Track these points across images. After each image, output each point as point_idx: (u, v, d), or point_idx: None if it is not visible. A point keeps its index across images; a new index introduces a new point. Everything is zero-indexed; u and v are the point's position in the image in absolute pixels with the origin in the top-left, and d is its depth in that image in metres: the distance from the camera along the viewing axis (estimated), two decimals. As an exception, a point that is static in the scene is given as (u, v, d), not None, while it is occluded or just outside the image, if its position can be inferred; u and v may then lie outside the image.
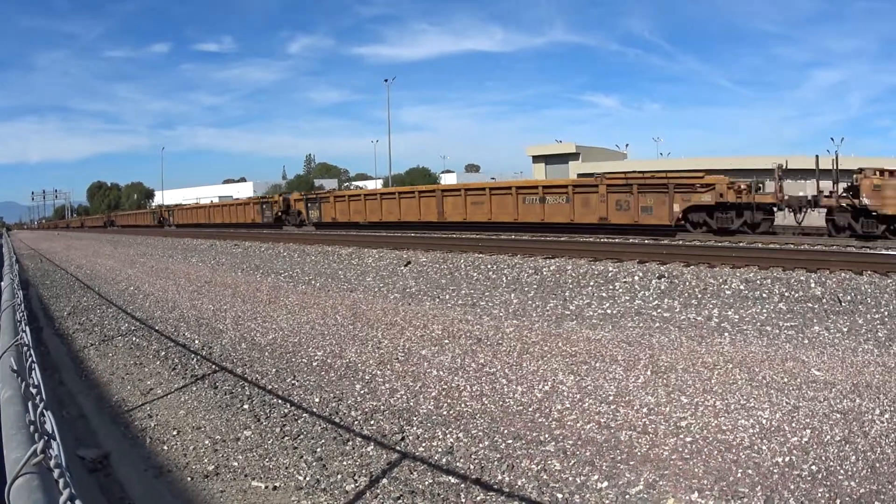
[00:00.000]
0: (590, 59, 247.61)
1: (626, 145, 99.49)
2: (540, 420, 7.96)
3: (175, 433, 8.54)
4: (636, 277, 15.17)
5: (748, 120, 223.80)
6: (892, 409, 7.67)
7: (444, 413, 8.40)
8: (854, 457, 6.55)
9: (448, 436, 7.68)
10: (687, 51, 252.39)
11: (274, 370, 11.00)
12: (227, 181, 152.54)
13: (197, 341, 13.61)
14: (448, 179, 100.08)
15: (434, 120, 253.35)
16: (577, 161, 72.59)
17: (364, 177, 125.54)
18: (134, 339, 14.45)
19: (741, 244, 20.91)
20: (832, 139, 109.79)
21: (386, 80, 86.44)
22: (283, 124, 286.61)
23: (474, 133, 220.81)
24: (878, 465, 6.41)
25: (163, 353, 12.87)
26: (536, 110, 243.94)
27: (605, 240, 22.70)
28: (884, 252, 17.97)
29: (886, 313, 11.76)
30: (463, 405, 8.61)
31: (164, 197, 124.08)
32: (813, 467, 6.43)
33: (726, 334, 11.05)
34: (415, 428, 8.01)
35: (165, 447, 8.10)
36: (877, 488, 6.02)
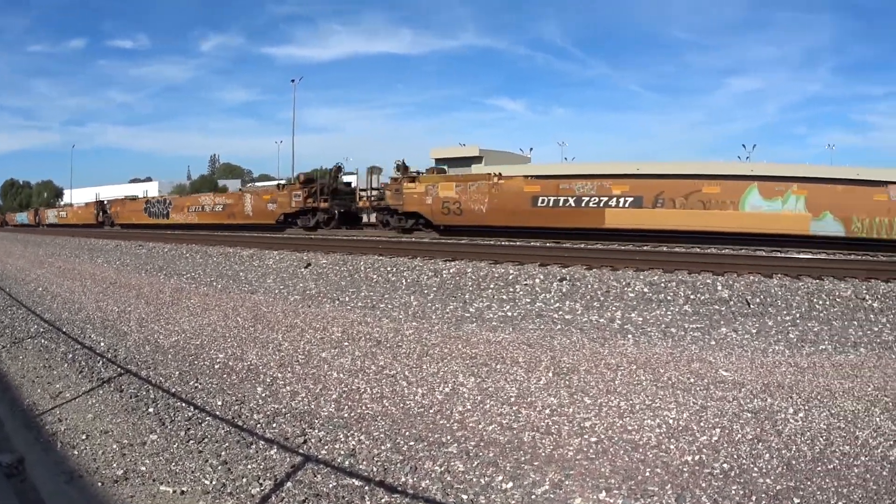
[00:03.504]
0: (499, 63, 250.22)
1: (531, 149, 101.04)
2: (441, 422, 7.95)
3: (84, 437, 8.54)
4: (537, 280, 15.20)
5: (660, 126, 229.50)
6: (807, 407, 7.82)
7: (346, 415, 8.38)
8: (768, 454, 6.62)
9: (350, 438, 7.68)
10: (598, 56, 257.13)
11: (177, 373, 10.92)
12: (133, 180, 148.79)
13: (103, 343, 13.44)
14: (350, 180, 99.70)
15: (341, 121, 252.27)
16: (480, 164, 72.69)
17: (267, 178, 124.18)
18: (43, 341, 14.23)
19: (645, 247, 21.14)
20: (744, 146, 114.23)
21: (293, 81, 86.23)
22: (192, 123, 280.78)
23: (380, 134, 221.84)
24: (794, 462, 6.48)
25: (70, 355, 12.68)
26: (443, 113, 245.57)
27: (507, 243, 22.68)
28: (794, 255, 18.57)
29: (798, 315, 12.12)
30: (364, 407, 8.60)
31: (73, 196, 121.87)
32: (725, 465, 6.47)
33: (630, 336, 11.19)
34: (317, 431, 8.00)
35: (76, 451, 8.11)
36: (794, 485, 6.06)
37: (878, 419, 7.61)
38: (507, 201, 26.92)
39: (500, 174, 28.84)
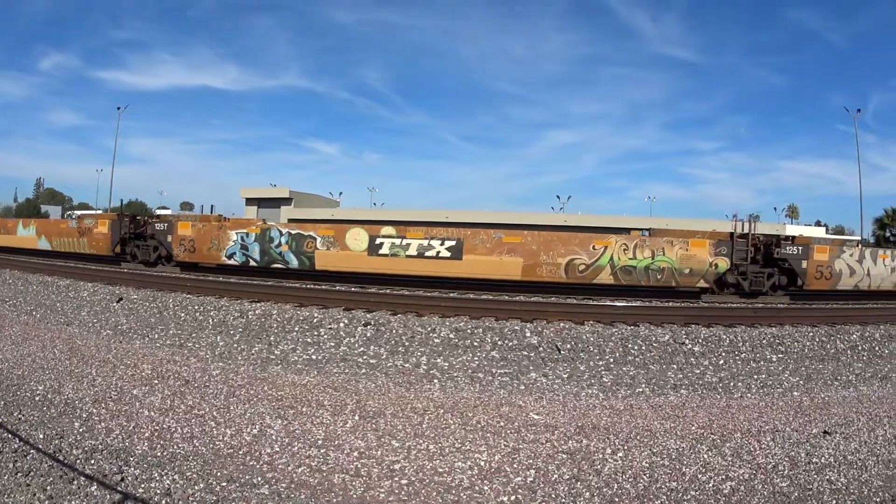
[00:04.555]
0: (317, 105, 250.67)
1: (340, 193, 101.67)
2: (251, 463, 7.73)
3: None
4: (342, 324, 15.15)
5: (472, 175, 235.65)
6: (626, 447, 7.97)
7: (159, 454, 8.04)
8: (588, 493, 6.64)
9: (164, 477, 7.34)
10: (417, 105, 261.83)
11: (2, 402, 10.23)
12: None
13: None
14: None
15: (160, 153, 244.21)
16: (289, 206, 72.84)
17: (86, 206, 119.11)
18: None
19: (451, 294, 21.21)
20: (558, 197, 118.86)
21: (119, 108, 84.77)
22: (21, 144, 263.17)
23: (195, 169, 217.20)
24: (616, 499, 6.56)
25: None
26: (257, 152, 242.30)
27: (312, 286, 22.18)
28: (610, 303, 19.05)
29: (612, 360, 12.52)
30: (176, 447, 8.28)
31: None
32: (543, 504, 6.43)
33: (436, 381, 11.28)
34: (132, 468, 7.59)
35: None
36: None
37: (705, 455, 7.88)
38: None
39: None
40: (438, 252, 22.88)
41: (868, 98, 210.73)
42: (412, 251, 22.96)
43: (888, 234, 79.34)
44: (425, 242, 22.94)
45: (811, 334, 15.97)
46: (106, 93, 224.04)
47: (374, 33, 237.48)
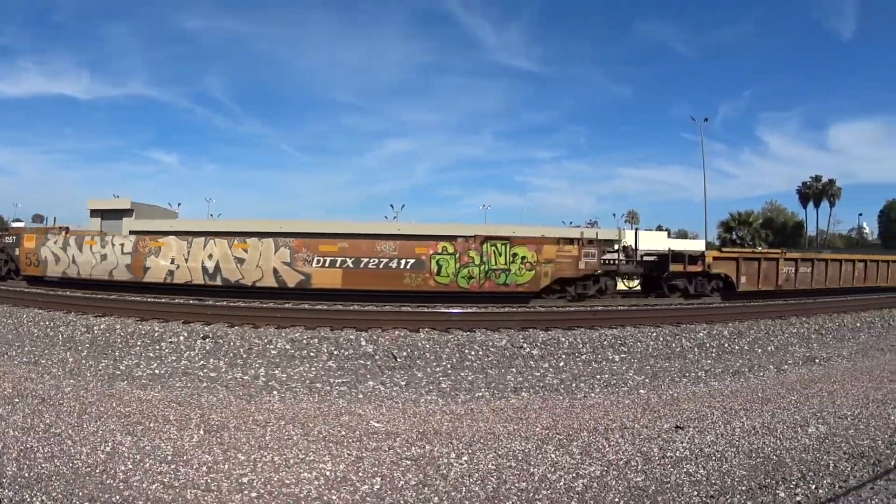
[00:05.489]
0: (159, 115, 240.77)
1: (179, 204, 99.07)
2: (108, 481, 7.56)
3: None
4: (181, 337, 15.09)
5: (308, 185, 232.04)
6: (471, 451, 8.17)
7: (27, 475, 7.79)
8: (437, 497, 6.77)
9: (34, 498, 7.13)
10: (255, 114, 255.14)
11: None
12: None
13: None
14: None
15: (15, 164, 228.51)
16: (130, 217, 70.76)
17: None
18: None
19: (287, 305, 21.25)
20: (392, 206, 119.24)
21: None
22: None
23: (48, 180, 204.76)
24: (466, 502, 6.69)
25: None
26: (105, 162, 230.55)
27: (153, 300, 21.65)
28: (442, 310, 19.43)
29: (449, 366, 12.81)
30: (40, 467, 8.04)
31: None
32: (392, 511, 6.57)
33: (275, 392, 11.36)
34: (6, 490, 7.38)
35: None
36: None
37: (553, 455, 8.12)
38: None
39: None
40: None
41: (717, 108, 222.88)
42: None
43: (733, 236, 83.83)
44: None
45: (654, 334, 16.72)
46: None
47: (219, 41, 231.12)
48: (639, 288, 29.19)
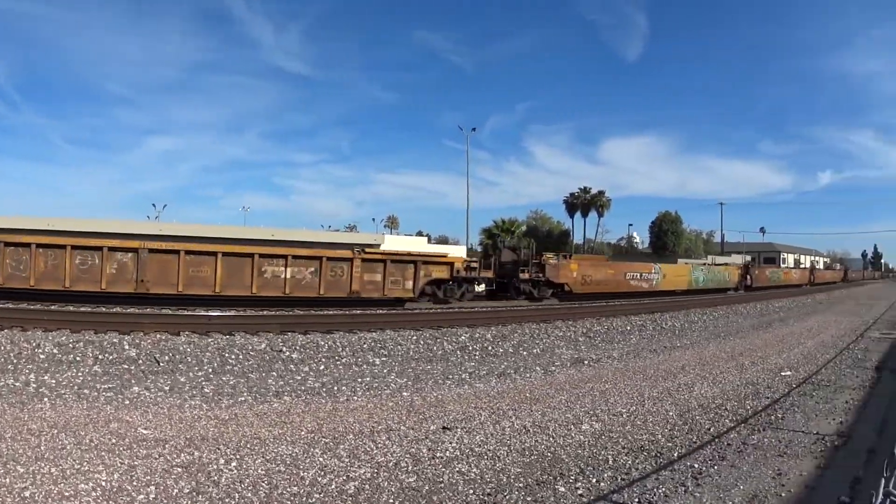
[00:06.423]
0: None
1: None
2: None
3: None
4: None
5: (79, 181, 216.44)
6: (239, 456, 8.39)
7: None
8: (208, 502, 6.97)
9: None
10: (34, 104, 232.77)
11: None
12: None
13: None
14: None
15: None
16: None
17: None
18: None
19: (53, 307, 20.59)
20: (154, 205, 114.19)
21: None
22: None
23: None
24: None
25: None
26: None
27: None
28: (203, 313, 19.53)
29: (211, 370, 12.95)
30: None
31: None
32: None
33: (46, 399, 11.05)
34: None
35: None
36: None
37: (321, 459, 8.48)
38: None
39: None
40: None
41: (486, 119, 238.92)
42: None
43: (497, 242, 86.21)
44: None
45: (415, 337, 17.52)
46: None
47: (8, 24, 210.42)
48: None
